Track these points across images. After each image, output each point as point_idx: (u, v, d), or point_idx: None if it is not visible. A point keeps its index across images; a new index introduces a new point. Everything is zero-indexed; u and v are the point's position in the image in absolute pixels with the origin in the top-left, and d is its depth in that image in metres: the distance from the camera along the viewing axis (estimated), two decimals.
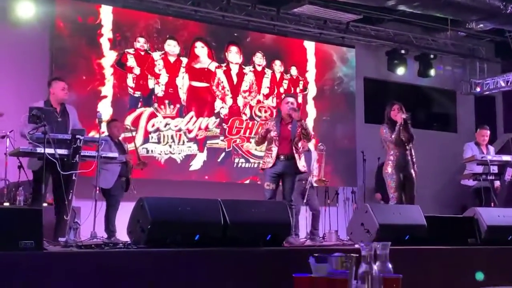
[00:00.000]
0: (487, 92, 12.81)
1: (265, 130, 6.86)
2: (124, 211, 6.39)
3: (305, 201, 8.41)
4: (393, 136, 6.91)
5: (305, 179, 8.36)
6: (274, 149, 6.72)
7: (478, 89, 12.78)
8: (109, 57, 9.33)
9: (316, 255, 2.41)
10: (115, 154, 6.55)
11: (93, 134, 7.91)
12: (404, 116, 6.89)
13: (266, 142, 6.87)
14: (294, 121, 6.76)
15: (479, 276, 4.51)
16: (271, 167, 6.71)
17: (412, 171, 6.99)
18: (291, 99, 6.94)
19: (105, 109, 9.01)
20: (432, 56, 12.14)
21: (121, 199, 7.80)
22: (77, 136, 5.75)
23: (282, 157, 6.72)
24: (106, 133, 7.79)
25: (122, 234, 6.29)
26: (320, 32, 11.27)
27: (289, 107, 6.78)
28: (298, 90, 10.99)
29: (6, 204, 7.30)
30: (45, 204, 6.40)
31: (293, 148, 6.73)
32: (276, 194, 6.80)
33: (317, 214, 8.69)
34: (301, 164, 6.76)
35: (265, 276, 4.24)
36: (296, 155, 6.72)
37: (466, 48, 12.69)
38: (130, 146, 8.33)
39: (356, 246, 5.10)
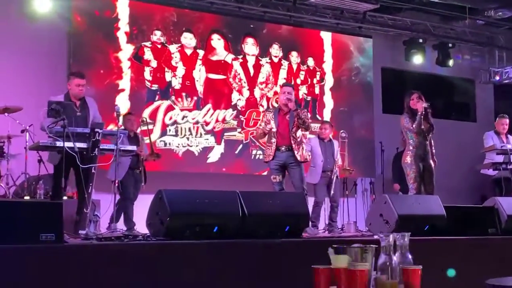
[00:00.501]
0: (506, 81, 12.67)
1: (263, 130, 6.82)
2: (142, 204, 6.44)
3: (332, 191, 8.32)
4: (414, 126, 6.86)
5: (330, 170, 8.31)
6: (274, 141, 6.71)
7: (497, 78, 12.65)
8: (126, 51, 9.35)
9: (335, 246, 2.41)
10: (133, 147, 6.57)
11: (111, 127, 7.95)
12: (424, 105, 6.82)
13: (267, 136, 6.85)
14: (292, 111, 6.72)
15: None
16: (272, 159, 6.70)
17: (431, 161, 6.95)
18: (287, 89, 6.88)
19: (123, 102, 9.04)
20: (450, 45, 12.00)
21: (139, 192, 7.85)
22: (96, 130, 5.78)
23: (282, 148, 6.70)
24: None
25: (141, 226, 6.33)
26: (337, 22, 11.20)
27: (285, 97, 6.74)
28: (315, 81, 10.95)
29: (27, 197, 7.36)
30: (65, 197, 6.45)
31: (291, 138, 6.69)
32: (284, 186, 6.76)
33: (335, 206, 8.63)
34: (300, 154, 6.69)
35: (283, 268, 4.25)
36: (295, 145, 6.68)
37: (485, 36, 12.54)
38: (146, 139, 8.36)
39: (375, 237, 5.08)
